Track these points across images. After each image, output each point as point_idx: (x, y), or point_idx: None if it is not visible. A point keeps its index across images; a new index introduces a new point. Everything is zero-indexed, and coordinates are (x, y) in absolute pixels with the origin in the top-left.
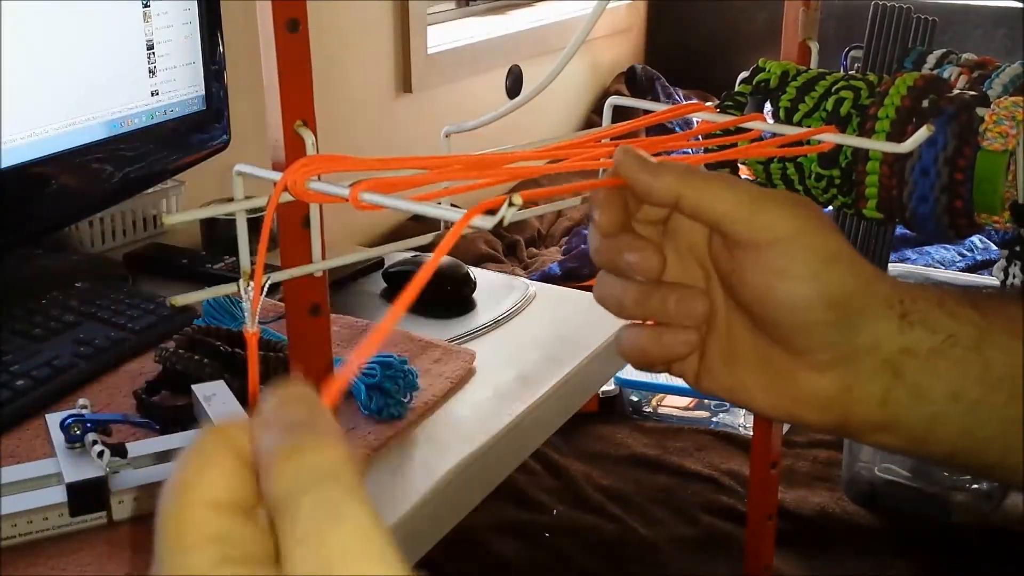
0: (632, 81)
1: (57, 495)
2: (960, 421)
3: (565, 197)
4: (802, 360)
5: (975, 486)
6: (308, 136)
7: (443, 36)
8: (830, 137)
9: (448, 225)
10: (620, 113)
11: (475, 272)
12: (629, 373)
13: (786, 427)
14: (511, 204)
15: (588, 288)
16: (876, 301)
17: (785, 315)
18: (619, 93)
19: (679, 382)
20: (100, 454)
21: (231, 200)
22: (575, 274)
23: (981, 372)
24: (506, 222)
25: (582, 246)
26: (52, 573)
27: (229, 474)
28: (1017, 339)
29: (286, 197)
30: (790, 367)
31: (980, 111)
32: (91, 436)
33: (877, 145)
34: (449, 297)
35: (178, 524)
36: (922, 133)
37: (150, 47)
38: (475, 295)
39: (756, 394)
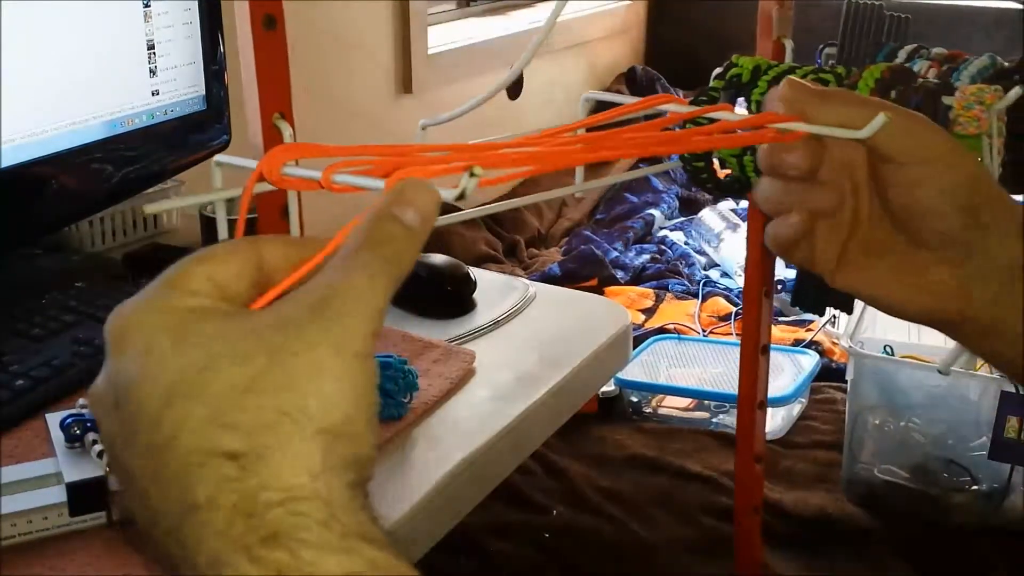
0: (632, 82)
1: (57, 495)
2: None
3: (528, 168)
4: (934, 255)
5: (975, 487)
6: (286, 128)
7: (443, 37)
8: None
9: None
10: (600, 108)
11: (475, 272)
12: (629, 374)
13: (786, 429)
14: (472, 175)
15: (588, 288)
16: (1002, 218)
17: (925, 219)
18: (619, 93)
19: (679, 383)
20: (100, 454)
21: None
22: (575, 275)
23: None
24: (467, 195)
25: (582, 247)
26: (52, 573)
27: (238, 269)
28: None
29: (265, 187)
30: (923, 261)
31: (946, 100)
32: (91, 436)
33: (839, 132)
34: (449, 297)
35: (174, 274)
36: (880, 119)
37: (150, 47)
38: (475, 295)
39: (888, 283)
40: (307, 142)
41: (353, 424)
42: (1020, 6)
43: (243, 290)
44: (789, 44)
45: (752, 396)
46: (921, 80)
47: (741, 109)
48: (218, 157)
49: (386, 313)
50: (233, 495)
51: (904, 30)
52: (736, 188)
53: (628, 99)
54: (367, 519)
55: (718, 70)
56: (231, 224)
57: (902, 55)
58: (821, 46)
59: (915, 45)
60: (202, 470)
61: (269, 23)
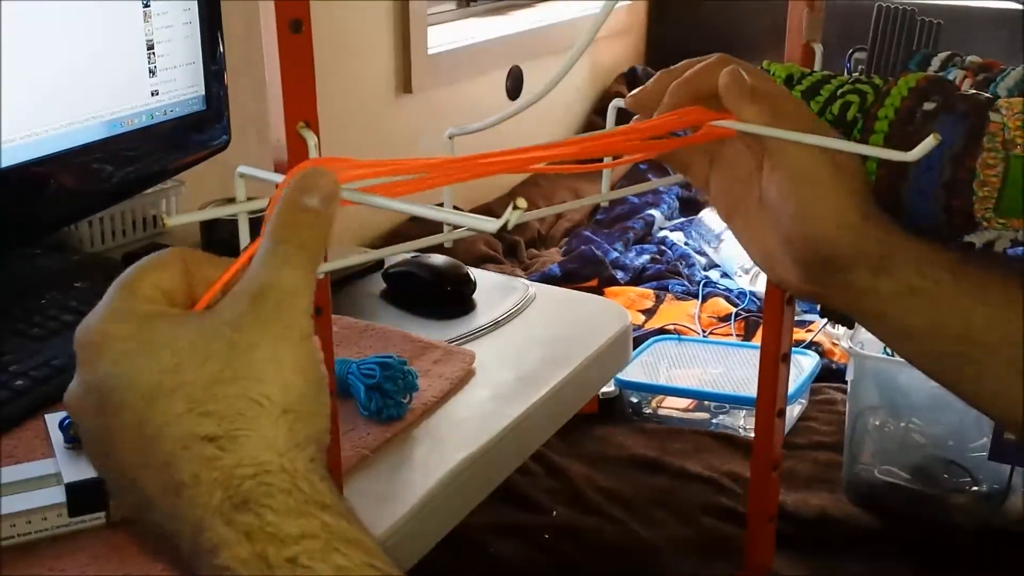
0: (633, 82)
1: (56, 495)
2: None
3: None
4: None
5: (975, 488)
6: (311, 137)
7: (444, 37)
8: (835, 143)
9: (451, 228)
10: (622, 115)
11: (475, 273)
12: (629, 375)
13: (787, 430)
14: (515, 207)
15: (588, 289)
16: (859, 259)
17: (792, 241)
18: (619, 94)
19: (679, 384)
20: None
21: (231, 201)
22: (575, 275)
23: (932, 320)
24: (510, 226)
25: (582, 247)
26: (51, 573)
27: (178, 277)
28: (978, 302)
29: None
30: (782, 257)
31: (994, 117)
32: None
33: (886, 153)
34: (449, 298)
35: (128, 281)
36: (929, 142)
37: (150, 47)
38: (475, 296)
39: (752, 240)
40: (332, 157)
41: (309, 402)
42: (1020, 6)
43: (182, 295)
44: (819, 48)
45: (771, 403)
46: (972, 92)
47: None
48: (241, 168)
49: (314, 287)
50: (215, 471)
51: (936, 36)
52: None
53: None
54: (326, 489)
55: None
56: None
57: (935, 63)
58: (850, 51)
59: (949, 53)
60: (187, 452)
61: (296, 27)
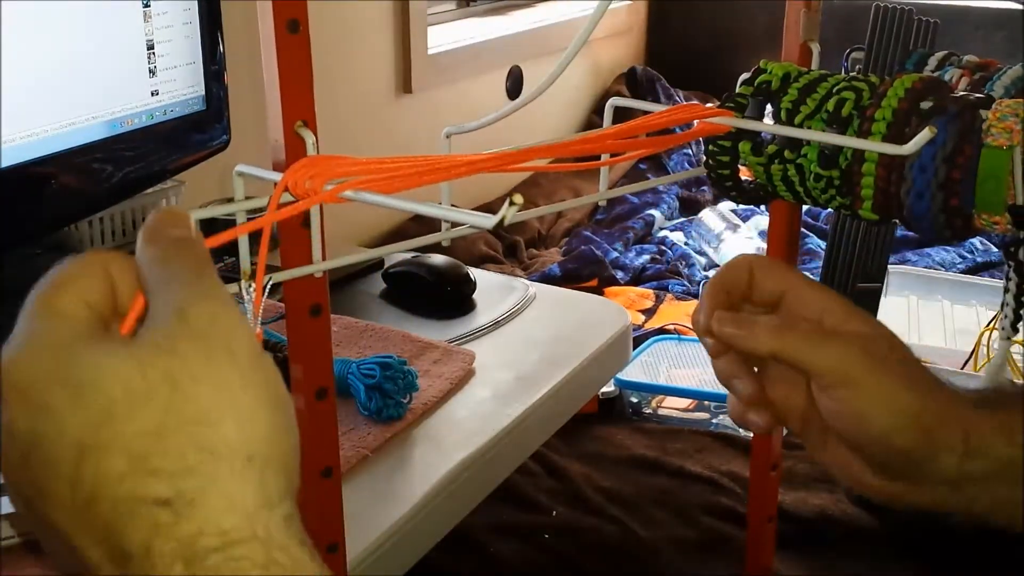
0: (633, 82)
1: None
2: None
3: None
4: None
5: None
6: (309, 136)
7: (443, 36)
8: (828, 138)
9: (449, 225)
10: (620, 113)
11: (475, 273)
12: (629, 374)
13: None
14: (511, 204)
15: (588, 289)
16: (939, 448)
17: (860, 444)
18: (619, 94)
19: (679, 383)
20: None
21: (230, 200)
22: (575, 275)
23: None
24: (507, 221)
25: (582, 248)
26: (51, 573)
27: (103, 288)
28: None
29: (287, 198)
30: (864, 472)
31: (982, 112)
32: None
33: (881, 147)
34: (449, 298)
35: (50, 298)
36: (925, 135)
37: (150, 47)
38: (475, 296)
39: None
40: (330, 155)
41: (277, 440)
42: (1020, 6)
43: (108, 309)
44: (816, 48)
45: None
46: (962, 93)
47: (769, 119)
48: (240, 167)
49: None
50: (171, 541)
51: (933, 35)
52: (760, 196)
53: (655, 107)
54: (306, 556)
55: (745, 75)
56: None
57: (932, 62)
58: (848, 50)
59: (945, 52)
60: (133, 520)
61: (293, 27)
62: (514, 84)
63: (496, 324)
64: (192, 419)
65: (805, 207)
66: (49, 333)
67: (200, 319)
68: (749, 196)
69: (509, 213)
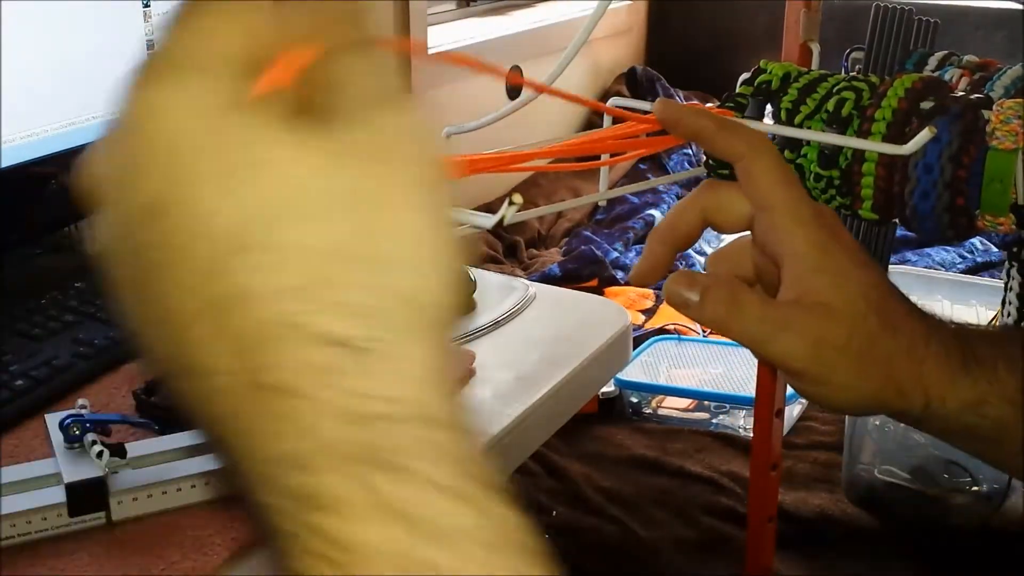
0: (632, 82)
1: (56, 495)
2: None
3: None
4: None
5: (975, 488)
6: None
7: (444, 36)
8: (828, 138)
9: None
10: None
11: (475, 273)
12: (629, 374)
13: (786, 430)
14: (511, 203)
15: (588, 289)
16: (900, 408)
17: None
18: (619, 94)
19: (679, 384)
20: (99, 454)
21: None
22: (575, 275)
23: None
24: (507, 221)
25: (582, 247)
26: (51, 573)
27: (251, 43)
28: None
29: None
30: None
31: (985, 113)
32: (90, 436)
33: (881, 147)
34: None
35: (198, 52)
36: (925, 134)
37: (150, 47)
38: (475, 295)
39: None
40: None
41: (450, 296)
42: (1020, 6)
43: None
44: (816, 48)
45: (769, 403)
46: (961, 93)
47: (769, 119)
48: None
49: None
50: (328, 389)
51: (933, 35)
52: None
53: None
54: (472, 451)
55: (745, 75)
56: None
57: (932, 62)
58: (848, 50)
59: (945, 52)
60: (284, 345)
61: None
62: (514, 84)
63: (496, 324)
64: (395, 257)
65: None
66: (205, 92)
67: (392, 131)
68: None
69: (509, 213)
